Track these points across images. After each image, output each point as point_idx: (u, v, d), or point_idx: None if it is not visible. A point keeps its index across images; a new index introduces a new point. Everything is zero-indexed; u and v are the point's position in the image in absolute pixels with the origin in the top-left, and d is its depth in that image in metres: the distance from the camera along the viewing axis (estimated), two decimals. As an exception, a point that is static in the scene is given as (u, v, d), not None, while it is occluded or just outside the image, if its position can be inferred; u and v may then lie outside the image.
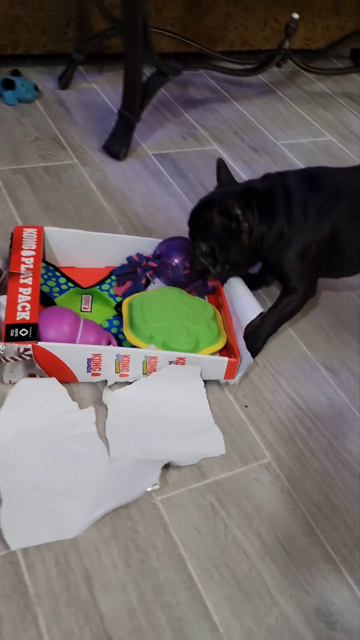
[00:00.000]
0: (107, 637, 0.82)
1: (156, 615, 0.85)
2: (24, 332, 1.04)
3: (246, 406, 1.15)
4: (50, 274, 1.26)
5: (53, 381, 1.07)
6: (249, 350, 1.15)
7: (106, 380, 1.11)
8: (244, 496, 1.01)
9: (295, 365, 1.25)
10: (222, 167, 1.23)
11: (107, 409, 1.08)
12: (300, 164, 1.84)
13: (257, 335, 1.20)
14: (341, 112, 2.18)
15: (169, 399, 1.11)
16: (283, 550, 0.95)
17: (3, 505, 0.91)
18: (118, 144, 1.68)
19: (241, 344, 1.15)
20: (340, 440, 1.13)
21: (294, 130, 2.02)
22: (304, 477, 1.06)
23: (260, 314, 1.16)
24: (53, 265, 1.28)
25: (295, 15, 1.85)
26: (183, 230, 1.40)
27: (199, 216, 1.18)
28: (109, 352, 1.09)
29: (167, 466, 1.01)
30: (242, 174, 1.74)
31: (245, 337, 1.16)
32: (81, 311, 1.24)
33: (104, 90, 1.97)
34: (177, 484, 1.00)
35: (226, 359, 1.12)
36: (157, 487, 0.96)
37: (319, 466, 1.08)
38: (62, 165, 1.63)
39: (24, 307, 1.08)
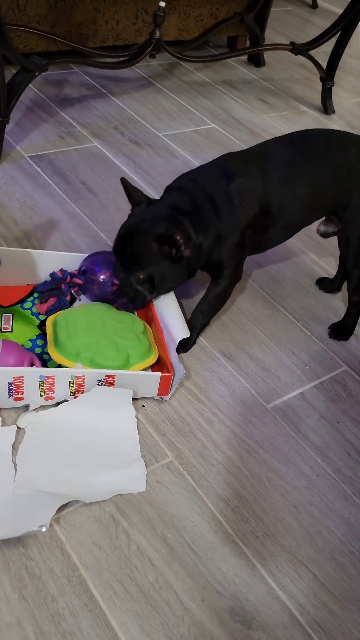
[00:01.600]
0: None
1: (56, 647, 0.77)
2: None
3: (143, 406, 1.08)
4: None
5: None
6: (179, 345, 1.11)
7: (28, 405, 1.02)
8: (146, 501, 0.94)
9: (191, 356, 1.20)
10: (129, 186, 1.13)
11: (25, 431, 0.99)
12: (184, 154, 1.80)
13: (191, 329, 1.17)
14: (222, 99, 2.16)
15: (94, 426, 1.01)
16: (191, 552, 0.90)
17: None
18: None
19: (173, 357, 1.08)
20: (243, 427, 1.09)
21: (175, 120, 1.98)
22: (208, 472, 1.00)
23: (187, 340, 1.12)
24: None
25: (162, 3, 1.80)
26: (64, 231, 1.33)
27: (129, 244, 1.10)
28: (32, 374, 0.99)
29: (59, 481, 0.93)
30: (124, 168, 1.69)
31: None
32: (1, 331, 1.14)
33: (-28, 95, 1.86)
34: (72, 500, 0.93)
35: (159, 374, 1.05)
36: (43, 529, 0.84)
37: (223, 458, 1.03)
38: None
39: None
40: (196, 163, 1.77)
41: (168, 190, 1.15)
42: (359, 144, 1.22)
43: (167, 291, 1.16)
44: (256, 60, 2.47)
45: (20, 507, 0.88)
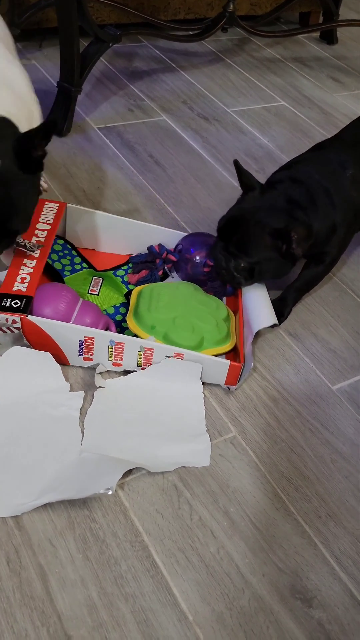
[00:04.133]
0: (65, 637, 0.75)
1: (119, 608, 0.78)
2: (16, 303, 0.98)
3: (207, 380, 1.08)
4: (66, 252, 1.23)
5: (47, 356, 1.01)
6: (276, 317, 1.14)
7: (98, 365, 1.04)
8: (208, 474, 0.95)
9: (257, 334, 1.18)
10: (242, 169, 1.12)
11: (93, 396, 1.01)
12: (252, 130, 1.78)
13: (285, 303, 1.20)
14: (292, 77, 2.11)
15: (161, 397, 1.02)
16: (253, 527, 0.89)
17: None
18: (59, 119, 1.59)
19: (248, 350, 1.07)
20: (307, 407, 1.07)
21: (244, 97, 1.95)
22: (271, 449, 1.00)
23: (274, 325, 1.12)
24: (71, 244, 1.24)
25: (237, -24, 1.77)
26: (131, 203, 1.33)
27: (239, 230, 1.09)
28: (102, 337, 1.01)
29: (124, 448, 0.94)
30: (192, 142, 1.67)
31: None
32: (88, 293, 1.17)
33: (43, 66, 1.87)
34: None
35: (228, 361, 1.03)
36: (110, 492, 0.85)
37: (286, 436, 1.02)
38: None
39: (23, 279, 1.02)
40: (264, 140, 1.74)
41: (282, 180, 1.13)
42: None
43: (264, 280, 1.15)
44: (329, 38, 2.40)
45: (86, 470, 0.90)
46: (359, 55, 2.35)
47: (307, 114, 1.91)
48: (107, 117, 1.71)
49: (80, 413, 0.98)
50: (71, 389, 1.02)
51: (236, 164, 1.12)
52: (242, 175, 1.12)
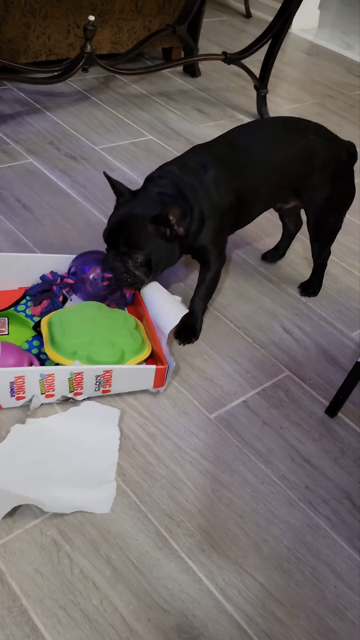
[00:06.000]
0: None
1: None
2: None
3: (84, 424, 1.07)
4: None
5: None
6: (189, 333, 1.25)
7: (32, 398, 1.05)
8: (88, 522, 0.93)
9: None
10: (112, 180, 1.19)
11: (9, 431, 1.01)
12: (121, 166, 1.80)
13: (195, 316, 1.27)
14: (159, 111, 2.16)
15: (74, 441, 1.03)
16: (136, 572, 0.88)
17: None
18: None
19: (165, 350, 1.11)
20: (186, 439, 1.08)
21: (112, 133, 1.97)
22: (152, 488, 0.99)
23: (185, 315, 1.17)
24: None
25: (91, 17, 1.80)
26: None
27: (124, 230, 1.14)
28: (32, 373, 1.02)
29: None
30: (61, 183, 1.67)
31: (181, 326, 1.24)
32: None
33: None
34: (13, 526, 0.90)
35: (154, 367, 1.08)
36: None
37: (166, 472, 1.02)
38: None
39: None
40: (134, 175, 1.77)
41: (150, 179, 1.21)
42: (317, 129, 1.31)
43: (161, 272, 1.20)
44: (192, 71, 2.48)
45: None
46: (221, 86, 2.44)
47: (174, 146, 1.96)
48: (-30, 164, 1.68)
49: None
50: (3, 423, 1.02)
51: (105, 174, 1.19)
52: (114, 183, 1.18)
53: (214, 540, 0.94)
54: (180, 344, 1.26)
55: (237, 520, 0.97)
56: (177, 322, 1.15)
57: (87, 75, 2.26)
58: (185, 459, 1.05)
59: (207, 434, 1.10)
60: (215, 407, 1.15)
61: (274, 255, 1.56)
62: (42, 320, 1.16)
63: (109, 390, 1.09)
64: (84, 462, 1.00)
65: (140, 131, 2.02)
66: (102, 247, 1.19)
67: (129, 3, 2.25)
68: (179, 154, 1.85)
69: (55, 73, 1.95)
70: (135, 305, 1.26)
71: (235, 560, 0.92)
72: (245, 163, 1.23)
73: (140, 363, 1.12)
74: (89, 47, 1.87)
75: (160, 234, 1.13)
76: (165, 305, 1.19)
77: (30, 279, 1.26)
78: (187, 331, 1.27)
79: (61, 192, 1.64)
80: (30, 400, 1.05)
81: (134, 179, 1.75)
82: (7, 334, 1.18)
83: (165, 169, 1.21)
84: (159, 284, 1.22)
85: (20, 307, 1.23)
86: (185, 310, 1.18)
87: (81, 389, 1.06)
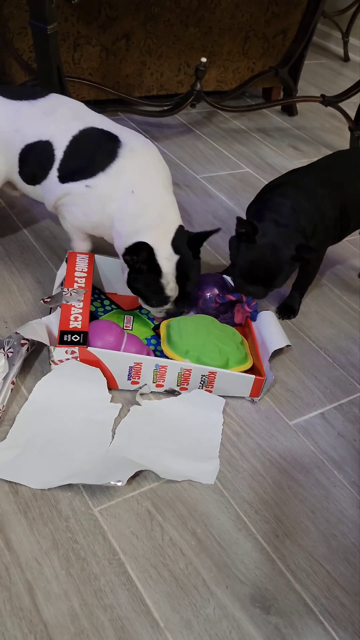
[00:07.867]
0: (51, 643, 0.85)
1: (98, 617, 0.89)
2: (75, 337, 1.16)
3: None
4: (95, 295, 1.43)
5: (97, 371, 1.18)
6: (289, 311, 1.50)
7: (141, 386, 1.21)
8: (178, 500, 1.06)
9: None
10: (243, 221, 1.28)
11: (129, 410, 1.18)
12: (219, 195, 1.96)
13: (294, 299, 1.52)
14: (256, 146, 2.32)
15: (185, 421, 1.19)
16: (217, 546, 1.01)
17: (6, 440, 1.08)
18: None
19: (266, 365, 1.26)
20: (267, 440, 1.20)
21: (212, 164, 2.14)
22: (235, 478, 1.12)
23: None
24: (99, 289, 1.45)
25: (203, 59, 1.99)
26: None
27: (262, 269, 1.30)
28: (149, 362, 1.19)
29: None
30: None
31: (283, 305, 1.50)
32: (123, 329, 1.33)
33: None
34: (114, 495, 1.05)
35: (253, 376, 1.23)
36: (120, 484, 1.02)
37: (248, 466, 1.14)
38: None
39: (76, 318, 1.20)
40: (230, 204, 1.92)
41: (270, 207, 1.34)
42: None
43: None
44: (289, 110, 2.64)
45: (107, 465, 1.07)
46: (317, 126, 2.58)
47: (269, 179, 2.09)
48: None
49: (114, 422, 1.15)
50: (114, 401, 1.19)
51: (238, 218, 1.29)
52: (244, 225, 1.28)
53: (287, 529, 1.05)
54: (279, 319, 1.45)
55: (309, 515, 1.08)
56: (283, 346, 1.31)
57: (191, 110, 2.45)
58: (265, 456, 1.17)
59: (286, 438, 1.21)
60: (295, 416, 1.27)
61: None
62: (162, 323, 1.33)
63: (211, 391, 1.23)
64: (192, 440, 1.15)
65: (238, 163, 2.18)
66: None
67: (236, 46, 2.43)
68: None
69: (166, 107, 2.15)
70: (242, 327, 1.40)
71: (305, 548, 1.03)
72: (347, 182, 1.42)
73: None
74: (199, 85, 2.06)
75: (293, 265, 1.31)
76: (275, 330, 1.36)
77: None
78: (287, 309, 1.50)
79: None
80: (141, 388, 1.21)
81: (231, 207, 1.90)
82: (131, 330, 1.36)
83: (281, 192, 1.35)
84: (272, 313, 1.40)
85: (144, 310, 1.41)
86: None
87: (187, 385, 1.22)
